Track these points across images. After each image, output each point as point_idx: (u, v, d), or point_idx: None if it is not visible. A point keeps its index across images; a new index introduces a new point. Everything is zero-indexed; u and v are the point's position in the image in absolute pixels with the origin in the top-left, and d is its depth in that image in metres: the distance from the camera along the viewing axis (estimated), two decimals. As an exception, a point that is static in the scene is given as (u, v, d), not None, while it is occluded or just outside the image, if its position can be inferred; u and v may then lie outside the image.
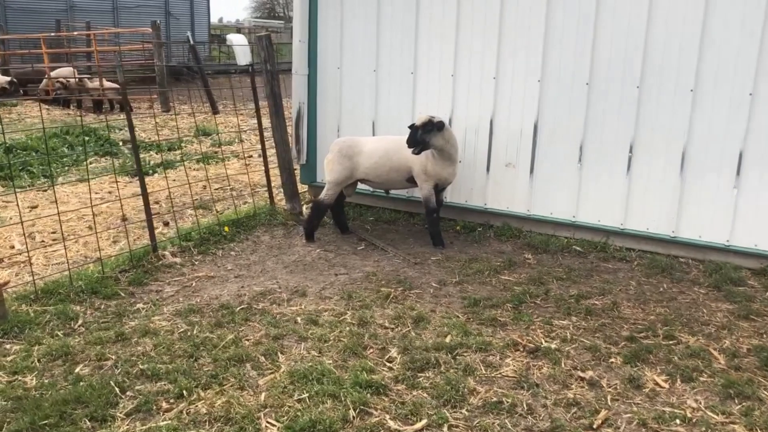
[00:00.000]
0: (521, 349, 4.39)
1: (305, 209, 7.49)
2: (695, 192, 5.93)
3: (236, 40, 13.42)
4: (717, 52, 5.63)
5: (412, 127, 6.00)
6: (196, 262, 6.00)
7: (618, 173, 6.19)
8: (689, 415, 3.68)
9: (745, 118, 5.62)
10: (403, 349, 4.33)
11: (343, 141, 6.56)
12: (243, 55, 11.92)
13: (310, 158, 7.67)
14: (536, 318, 4.84)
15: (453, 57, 6.69)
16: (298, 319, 4.80)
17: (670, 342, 4.51)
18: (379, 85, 7.12)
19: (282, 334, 4.53)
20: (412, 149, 6.00)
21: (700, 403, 3.81)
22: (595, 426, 3.58)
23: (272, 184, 7.53)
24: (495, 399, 3.80)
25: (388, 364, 4.18)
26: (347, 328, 4.63)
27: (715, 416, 3.68)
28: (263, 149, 7.45)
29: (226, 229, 6.73)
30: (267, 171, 7.47)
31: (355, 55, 7.18)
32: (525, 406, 3.74)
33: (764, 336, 4.63)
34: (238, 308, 4.97)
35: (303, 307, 5.01)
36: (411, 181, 6.43)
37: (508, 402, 3.76)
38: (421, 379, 4.00)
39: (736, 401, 3.82)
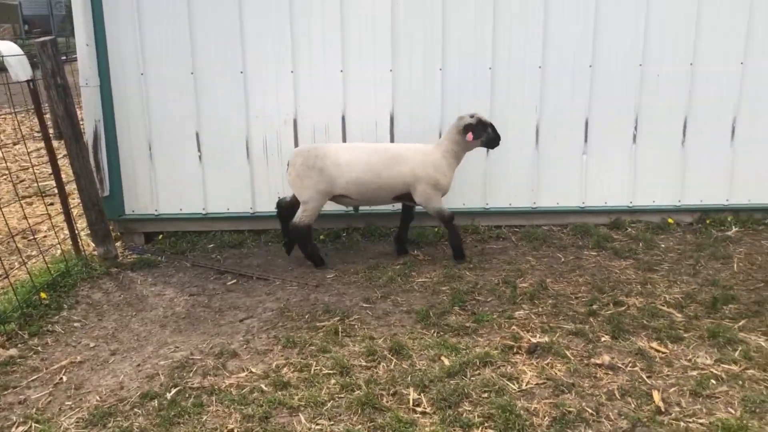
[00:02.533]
0: (520, 352, 4.13)
1: (123, 251, 6.08)
2: (551, 162, 6.25)
3: (5, 48, 10.14)
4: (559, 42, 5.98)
5: (480, 124, 5.40)
6: (40, 349, 4.42)
7: (478, 154, 6.21)
8: (715, 372, 3.84)
9: (587, 89, 6.09)
10: (418, 387, 3.74)
11: (306, 151, 5.47)
12: (21, 68, 9.06)
13: (114, 188, 6.21)
14: (494, 315, 4.61)
15: (290, 51, 5.97)
16: (262, 386, 3.83)
17: (621, 308, 4.68)
18: (200, 90, 6.03)
19: (267, 413, 3.55)
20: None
21: (708, 358, 4.00)
22: (662, 408, 3.52)
23: (77, 226, 5.92)
24: (557, 413, 3.49)
25: (418, 409, 3.56)
26: (332, 381, 3.84)
27: (734, 367, 3.90)
28: (59, 184, 5.77)
29: (43, 295, 5.11)
30: (67, 211, 5.83)
31: (163, 57, 5.96)
32: (589, 411, 3.52)
33: (678, 284, 5.09)
34: (170, 394, 3.78)
35: (250, 370, 4.02)
36: (401, 198, 5.62)
37: (571, 412, 3.49)
38: (467, 414, 3.49)
39: (731, 348, 4.11)
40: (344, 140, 6.14)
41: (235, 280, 5.44)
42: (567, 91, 6.10)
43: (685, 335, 4.27)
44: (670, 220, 6.31)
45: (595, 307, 4.70)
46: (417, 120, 6.13)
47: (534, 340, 4.22)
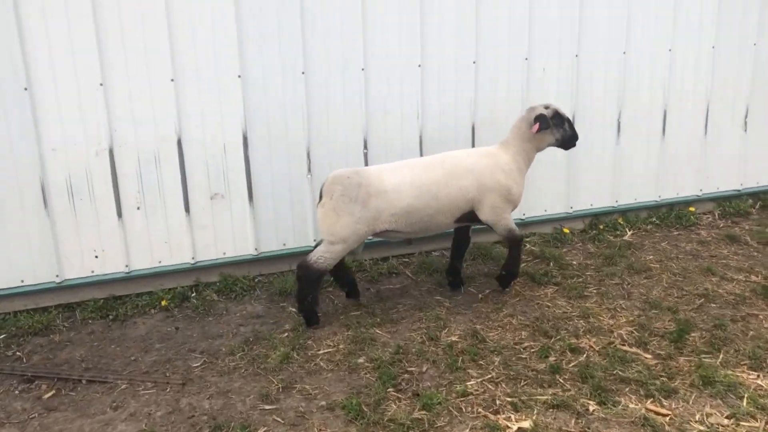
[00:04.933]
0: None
1: None
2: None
3: None
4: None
5: (557, 117, 4.40)
6: None
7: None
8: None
9: (472, 88, 5.21)
10: None
11: (347, 177, 4.08)
12: None
13: None
14: (443, 393, 3.51)
15: (98, 57, 4.29)
16: None
17: (581, 356, 3.86)
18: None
19: None
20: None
21: (719, 415, 3.29)
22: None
23: None
24: None
25: None
26: None
27: (755, 423, 3.22)
28: None
29: None
30: None
31: None
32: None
33: (620, 311, 4.41)
34: None
35: None
36: (464, 220, 4.37)
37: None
38: None
39: (734, 396, 3.44)
40: (182, 171, 4.61)
41: (53, 391, 3.72)
42: (451, 94, 5.17)
43: (675, 385, 3.53)
44: (565, 230, 5.69)
45: (552, 359, 3.81)
46: (277, 139, 4.79)
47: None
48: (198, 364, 3.91)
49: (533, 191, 5.53)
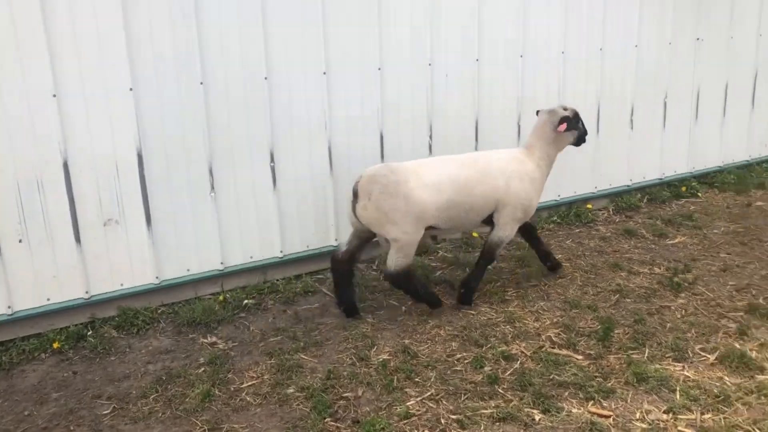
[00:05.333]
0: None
1: None
2: (340, 185, 5.10)
3: None
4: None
5: (576, 117, 4.52)
6: None
7: (262, 192, 4.77)
8: (681, 428, 3.17)
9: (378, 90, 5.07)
10: None
11: (382, 175, 4.06)
12: None
13: None
14: (383, 417, 3.33)
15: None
16: None
17: (515, 363, 3.80)
18: None
19: None
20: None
21: (658, 410, 3.33)
22: None
23: None
24: None
25: None
26: None
27: (691, 415, 3.28)
28: None
29: None
30: None
31: None
32: None
33: (541, 313, 4.41)
34: None
35: None
36: (488, 221, 4.42)
37: None
38: None
39: (668, 389, 3.50)
40: (70, 196, 4.12)
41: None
42: (356, 101, 5.00)
43: (611, 385, 3.55)
44: (474, 234, 5.68)
45: (488, 369, 3.73)
46: (175, 155, 4.41)
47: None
48: (107, 412, 3.48)
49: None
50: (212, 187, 4.57)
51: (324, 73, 4.80)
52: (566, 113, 4.50)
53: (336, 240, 5.07)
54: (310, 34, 4.69)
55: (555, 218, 6.11)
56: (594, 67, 6.02)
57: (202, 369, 3.84)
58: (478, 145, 5.55)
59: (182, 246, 4.56)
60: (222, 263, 4.71)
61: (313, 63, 4.74)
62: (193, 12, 4.27)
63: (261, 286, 4.82)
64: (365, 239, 4.31)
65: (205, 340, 4.18)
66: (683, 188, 6.80)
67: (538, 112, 4.64)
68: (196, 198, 4.54)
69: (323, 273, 5.08)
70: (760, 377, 3.56)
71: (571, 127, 4.48)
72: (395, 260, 4.12)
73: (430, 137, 5.34)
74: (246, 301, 4.62)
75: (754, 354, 3.77)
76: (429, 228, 4.21)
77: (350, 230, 4.37)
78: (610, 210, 6.41)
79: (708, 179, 7.01)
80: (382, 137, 5.13)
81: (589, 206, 6.29)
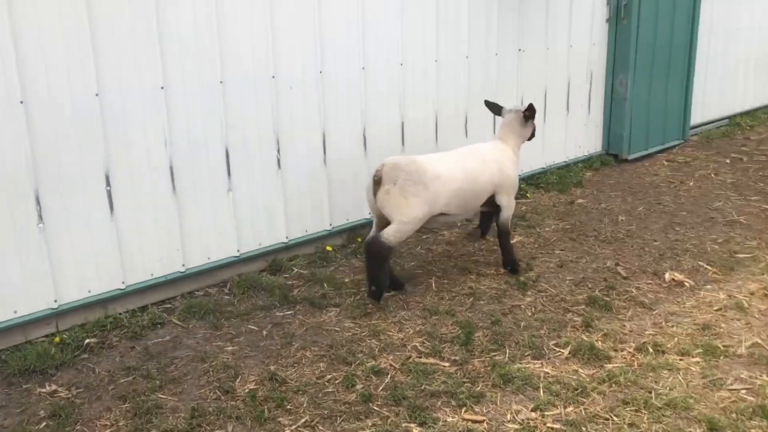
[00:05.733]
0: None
1: None
2: (193, 209, 4.81)
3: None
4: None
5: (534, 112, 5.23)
6: None
7: (98, 219, 4.35)
8: (551, 425, 3.33)
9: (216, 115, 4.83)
10: None
11: (405, 164, 4.54)
12: None
13: None
14: (290, 375, 3.17)
15: None
16: None
17: (386, 377, 3.80)
18: None
19: None
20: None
21: (526, 409, 3.48)
22: None
23: None
24: None
25: None
26: None
27: (557, 410, 3.45)
28: None
29: None
30: None
31: None
32: None
33: (404, 323, 4.45)
34: None
35: None
36: (486, 204, 5.08)
37: None
38: None
39: (532, 387, 3.66)
40: None
41: None
42: (199, 118, 4.73)
43: (480, 389, 3.65)
44: (328, 248, 5.62)
45: (360, 387, 3.69)
46: (-5, 183, 3.89)
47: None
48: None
49: (295, 212, 5.35)
50: (40, 217, 4.08)
51: (162, 88, 4.48)
52: (528, 112, 5.21)
53: (183, 265, 4.76)
54: (146, 49, 4.36)
55: (402, 226, 6.21)
56: (430, 79, 6.20)
57: (44, 424, 3.42)
58: (326, 157, 5.49)
59: (6, 285, 4.03)
60: (56, 300, 4.23)
61: (152, 79, 4.41)
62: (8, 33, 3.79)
63: (103, 322, 4.40)
64: (388, 222, 4.59)
65: (43, 390, 3.72)
66: (514, 190, 7.23)
67: (501, 111, 5.37)
68: (22, 230, 4.03)
69: (171, 302, 4.75)
70: (609, 366, 3.85)
71: (533, 121, 5.31)
72: (393, 234, 4.50)
73: (278, 151, 5.20)
74: (87, 340, 4.19)
75: (600, 345, 4.08)
76: (439, 215, 4.71)
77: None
78: (452, 215, 6.65)
79: (534, 181, 7.51)
80: (227, 153, 4.90)
81: (433, 212, 6.48)
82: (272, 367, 3.89)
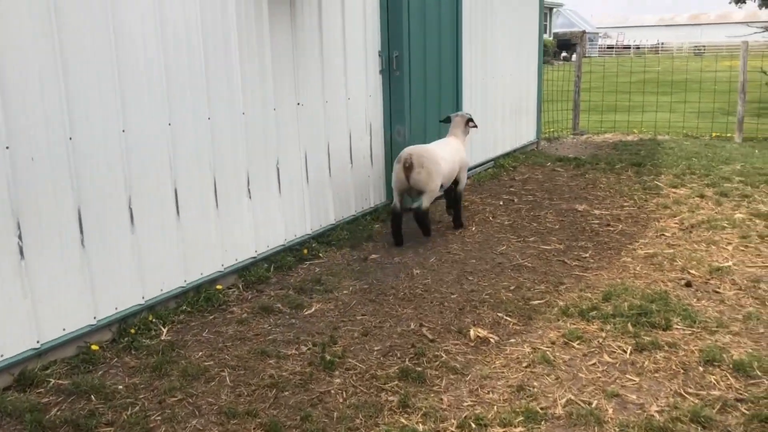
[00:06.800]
0: None
1: None
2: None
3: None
4: None
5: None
6: None
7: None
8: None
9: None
10: None
11: (425, 151, 6.71)
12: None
13: None
14: None
15: None
16: None
17: None
18: None
19: None
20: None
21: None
22: None
23: None
24: None
25: None
26: None
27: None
28: None
29: None
30: None
31: None
32: None
33: (192, 398, 3.71)
34: None
35: None
36: (453, 182, 7.33)
37: None
38: None
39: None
40: None
41: None
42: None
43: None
44: (94, 347, 4.66)
45: None
46: None
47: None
48: None
49: (47, 307, 4.35)
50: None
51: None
52: (469, 116, 7.53)
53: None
54: None
55: (185, 307, 5.41)
56: (203, 138, 5.57)
57: None
58: (83, 237, 4.57)
59: None
60: None
61: None
62: None
63: None
64: (409, 195, 6.82)
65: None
66: (305, 251, 6.78)
67: (450, 116, 7.64)
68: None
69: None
70: (436, 454, 3.48)
71: (474, 124, 7.62)
72: (426, 203, 6.73)
73: (20, 238, 4.19)
74: None
75: (421, 428, 3.71)
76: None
77: None
78: (240, 286, 5.99)
79: (325, 238, 7.14)
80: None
81: (219, 287, 5.78)
82: None
